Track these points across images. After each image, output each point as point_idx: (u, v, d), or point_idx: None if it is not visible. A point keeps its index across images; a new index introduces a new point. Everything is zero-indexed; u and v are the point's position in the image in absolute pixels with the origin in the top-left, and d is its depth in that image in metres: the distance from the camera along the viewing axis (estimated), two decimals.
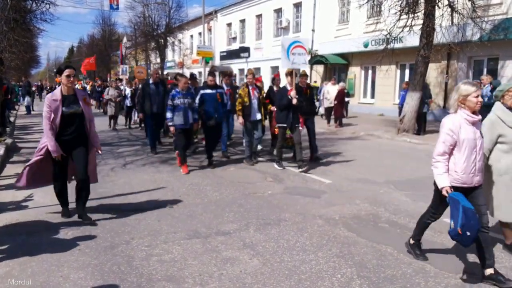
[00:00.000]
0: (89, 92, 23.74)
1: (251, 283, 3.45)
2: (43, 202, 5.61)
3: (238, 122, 8.52)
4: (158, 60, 32.86)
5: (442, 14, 12.26)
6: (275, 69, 25.61)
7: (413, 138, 12.08)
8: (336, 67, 22.34)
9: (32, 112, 22.70)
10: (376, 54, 13.96)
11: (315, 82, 21.50)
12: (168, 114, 7.48)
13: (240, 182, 6.92)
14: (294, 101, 7.48)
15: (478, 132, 3.47)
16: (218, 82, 13.77)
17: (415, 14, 12.50)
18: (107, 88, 16.10)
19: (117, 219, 4.99)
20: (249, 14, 29.06)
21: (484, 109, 4.14)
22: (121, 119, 15.51)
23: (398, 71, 18.63)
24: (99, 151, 5.11)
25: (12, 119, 17.54)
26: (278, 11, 26.29)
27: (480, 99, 3.40)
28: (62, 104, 4.62)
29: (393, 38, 12.92)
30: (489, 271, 3.42)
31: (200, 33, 31.98)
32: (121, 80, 19.91)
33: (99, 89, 21.32)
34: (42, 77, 76.72)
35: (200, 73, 28.05)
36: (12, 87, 20.17)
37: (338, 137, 12.80)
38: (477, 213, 3.31)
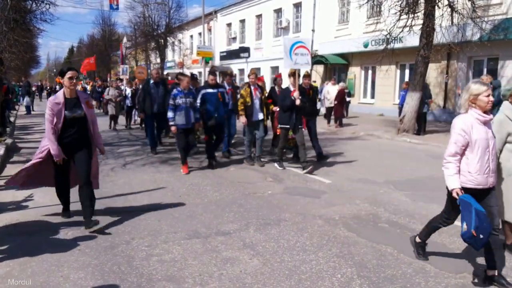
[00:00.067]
0: (89, 92, 23.73)
1: (251, 283, 3.46)
2: (43, 202, 5.62)
3: (240, 122, 8.44)
4: (158, 60, 32.86)
5: (442, 14, 12.26)
6: (275, 69, 25.64)
7: (413, 138, 12.09)
8: (336, 67, 22.35)
9: (33, 112, 22.69)
10: (376, 54, 13.96)
11: (315, 82, 21.48)
12: (170, 114, 7.45)
13: (240, 182, 6.92)
14: (298, 102, 7.43)
15: (490, 132, 3.41)
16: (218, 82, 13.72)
17: (415, 14, 12.51)
18: (108, 88, 16.10)
19: (117, 219, 4.99)
20: (249, 14, 29.06)
21: None
22: (121, 119, 15.51)
23: (398, 71, 18.64)
24: (103, 153, 5.07)
25: (12, 119, 17.53)
26: (278, 11, 26.29)
27: (491, 98, 3.33)
28: (65, 107, 4.52)
29: (393, 38, 12.93)
30: (492, 273, 3.41)
31: (200, 33, 31.98)
32: (121, 80, 19.92)
33: (100, 89, 21.31)
34: (42, 77, 76.74)
35: (200, 73, 28.04)
36: (12, 87, 20.20)
37: (338, 137, 12.81)
38: (489, 215, 3.26)
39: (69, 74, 4.56)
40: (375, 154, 9.86)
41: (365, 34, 18.01)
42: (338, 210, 5.44)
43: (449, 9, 12.27)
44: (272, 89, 9.25)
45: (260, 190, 6.47)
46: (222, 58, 31.99)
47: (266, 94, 8.90)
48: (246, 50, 29.13)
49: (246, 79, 9.14)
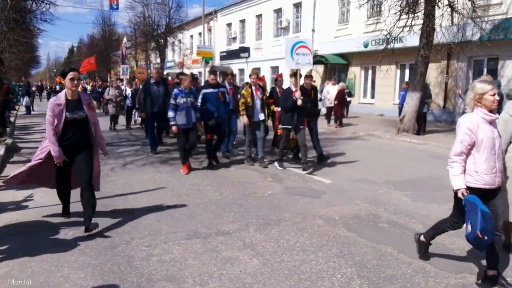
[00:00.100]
0: (89, 92, 23.73)
1: (251, 283, 3.46)
2: (43, 202, 5.62)
3: (243, 122, 8.36)
4: (158, 60, 32.87)
5: (442, 14, 12.26)
6: (275, 69, 25.63)
7: (413, 138, 12.08)
8: (336, 67, 22.35)
9: (33, 112, 22.69)
10: (376, 54, 13.96)
11: (314, 81, 21.43)
12: (171, 114, 7.42)
13: (240, 182, 6.92)
14: (299, 102, 7.40)
15: (496, 131, 3.38)
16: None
17: (415, 14, 12.50)
18: (108, 88, 16.10)
19: (117, 219, 4.99)
20: (249, 14, 29.06)
21: None
22: (121, 120, 15.50)
23: (398, 71, 18.64)
24: (106, 155, 5.03)
25: (12, 119, 17.53)
26: (278, 11, 26.29)
27: (497, 97, 3.31)
28: (66, 109, 4.47)
29: (393, 38, 12.92)
30: (492, 273, 3.40)
31: (200, 33, 31.99)
32: (121, 80, 19.92)
33: (100, 89, 21.32)
34: (42, 77, 76.79)
35: (200, 73, 28.04)
36: (12, 87, 20.20)
37: (338, 137, 12.81)
38: (493, 216, 3.23)
39: (70, 75, 4.49)
40: (375, 154, 9.86)
41: (365, 34, 18.01)
42: (338, 210, 5.44)
43: (449, 9, 12.26)
44: (273, 89, 9.23)
45: (260, 190, 6.47)
46: (222, 58, 31.99)
47: (267, 94, 8.87)
48: (246, 50, 29.13)
49: (246, 79, 9.12)
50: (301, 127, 7.70)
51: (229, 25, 31.98)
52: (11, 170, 7.49)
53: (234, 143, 9.89)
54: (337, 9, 21.55)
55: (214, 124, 7.91)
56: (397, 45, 13.87)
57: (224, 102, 8.01)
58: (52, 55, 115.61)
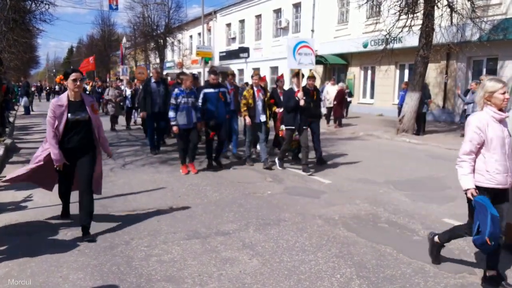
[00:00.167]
0: (88, 92, 23.72)
1: (250, 283, 3.46)
2: (42, 203, 5.61)
3: (245, 122, 8.27)
4: (158, 60, 32.86)
5: (442, 14, 12.27)
6: (274, 70, 25.65)
7: (413, 138, 12.09)
8: (336, 68, 22.36)
9: (32, 113, 22.66)
10: (376, 54, 13.97)
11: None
12: (171, 114, 7.39)
13: (240, 182, 6.92)
14: (302, 102, 7.35)
15: (506, 130, 3.31)
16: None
17: (415, 14, 12.51)
18: (107, 89, 16.09)
19: (116, 220, 4.98)
20: (249, 15, 29.07)
21: None
22: (121, 120, 15.49)
23: (398, 71, 18.65)
24: (110, 157, 4.99)
25: (11, 119, 17.52)
26: (278, 12, 26.29)
27: (507, 95, 3.25)
28: (68, 110, 4.37)
29: (392, 38, 12.93)
30: (492, 273, 3.40)
31: (199, 34, 31.97)
32: (121, 80, 19.92)
33: (99, 90, 21.30)
34: (42, 78, 76.71)
35: (199, 73, 28.04)
36: (12, 87, 20.19)
37: (337, 137, 12.81)
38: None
39: (72, 76, 4.40)
40: (375, 154, 9.87)
41: (364, 34, 18.01)
42: (337, 210, 5.44)
43: (448, 9, 12.28)
44: (274, 90, 9.21)
45: (259, 190, 6.47)
46: (222, 58, 32.00)
47: (268, 95, 8.83)
48: (245, 50, 29.14)
49: (246, 79, 9.08)
50: (304, 127, 7.67)
51: (228, 25, 32.00)
52: (10, 171, 7.49)
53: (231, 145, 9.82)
54: (337, 9, 21.57)
55: (214, 124, 7.89)
56: (397, 45, 13.88)
57: (225, 102, 7.97)
58: (51, 55, 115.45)
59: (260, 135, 8.27)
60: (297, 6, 24.61)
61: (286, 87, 8.90)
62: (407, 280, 3.53)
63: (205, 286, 3.42)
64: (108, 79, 35.90)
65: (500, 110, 3.29)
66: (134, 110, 15.15)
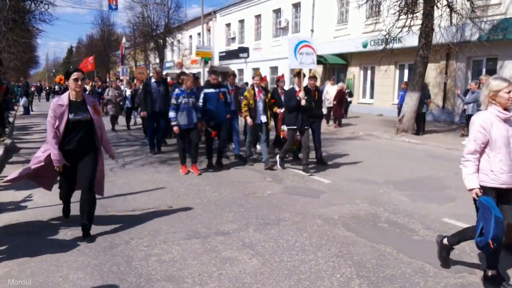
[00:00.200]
0: (88, 92, 23.71)
1: (250, 283, 3.46)
2: (42, 203, 5.61)
3: (246, 122, 8.24)
4: (157, 60, 32.87)
5: (441, 14, 12.27)
6: (274, 70, 25.65)
7: (412, 138, 12.09)
8: (335, 67, 22.36)
9: (32, 113, 22.65)
10: (375, 54, 13.98)
11: None
12: (172, 114, 7.37)
13: (239, 182, 6.92)
14: (303, 102, 7.32)
15: (510, 129, 3.28)
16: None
17: (414, 14, 12.51)
18: (107, 89, 16.08)
19: (116, 219, 4.98)
20: (248, 15, 29.07)
21: None
22: (121, 120, 15.49)
23: (397, 71, 18.66)
24: (113, 158, 4.95)
25: (11, 119, 17.51)
26: (277, 12, 26.29)
27: None
28: (69, 110, 4.30)
29: (392, 38, 12.93)
30: (492, 273, 3.39)
31: (199, 34, 32.02)
32: (121, 80, 19.91)
33: (99, 90, 21.30)
34: (41, 78, 76.68)
35: (199, 73, 28.04)
36: (11, 87, 20.17)
37: (337, 137, 12.82)
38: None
39: (74, 75, 4.33)
40: (375, 154, 9.87)
41: (364, 34, 18.01)
42: (337, 210, 5.44)
43: (448, 9, 12.28)
44: (275, 90, 9.19)
45: (259, 190, 6.47)
46: (221, 58, 32.00)
47: (269, 95, 8.80)
48: (245, 50, 29.14)
49: (245, 79, 9.06)
50: (306, 127, 7.65)
51: (228, 25, 31.99)
52: (10, 171, 7.49)
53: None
54: (336, 9, 21.57)
55: (214, 125, 7.88)
56: (396, 45, 13.88)
57: (225, 102, 7.96)
58: (51, 56, 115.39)
59: (261, 136, 8.26)
60: (296, 6, 24.62)
61: (287, 87, 8.89)
62: (407, 280, 3.53)
63: (205, 285, 3.42)
64: (108, 79, 35.90)
65: (505, 109, 3.26)
66: (134, 111, 15.14)
